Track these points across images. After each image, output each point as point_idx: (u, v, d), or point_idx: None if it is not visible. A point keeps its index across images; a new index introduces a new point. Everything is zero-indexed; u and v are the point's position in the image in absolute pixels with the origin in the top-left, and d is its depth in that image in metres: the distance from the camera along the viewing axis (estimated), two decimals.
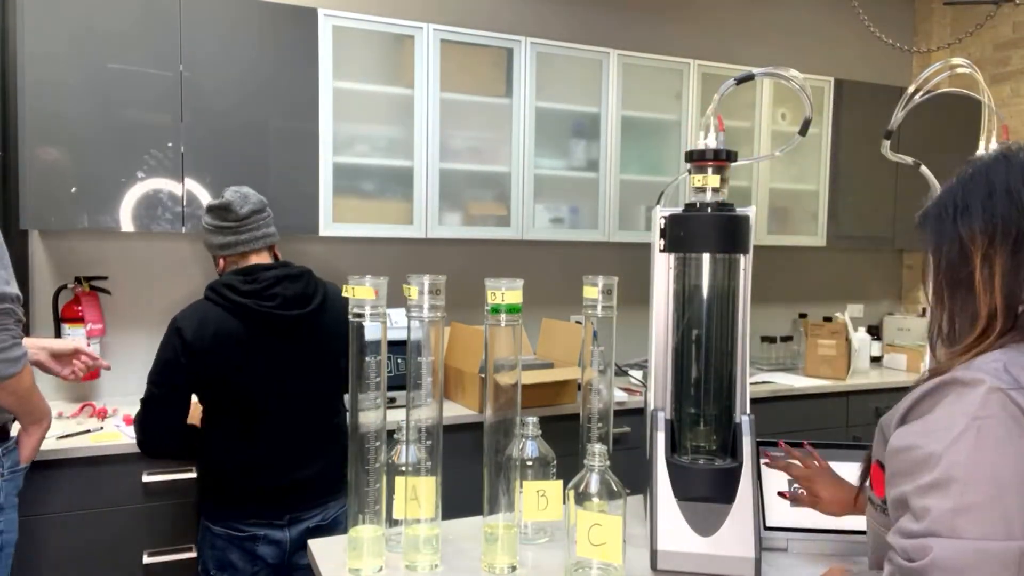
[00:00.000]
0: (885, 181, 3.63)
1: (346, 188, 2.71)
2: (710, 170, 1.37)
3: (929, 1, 4.09)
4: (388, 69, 2.76)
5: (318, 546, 1.44)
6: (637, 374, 2.98)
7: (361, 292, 1.28)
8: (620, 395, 2.87)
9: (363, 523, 1.32)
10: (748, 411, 1.36)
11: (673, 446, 1.37)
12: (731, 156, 1.37)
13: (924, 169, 1.50)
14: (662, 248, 1.39)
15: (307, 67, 2.58)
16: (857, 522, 1.36)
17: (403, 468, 1.33)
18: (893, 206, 3.65)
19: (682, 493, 1.32)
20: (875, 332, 3.84)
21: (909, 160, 1.56)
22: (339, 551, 1.39)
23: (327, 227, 2.65)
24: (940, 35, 3.99)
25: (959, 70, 1.44)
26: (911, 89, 1.48)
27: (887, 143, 1.57)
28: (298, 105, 2.58)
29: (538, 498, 1.32)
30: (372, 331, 1.30)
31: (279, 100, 2.55)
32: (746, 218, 1.35)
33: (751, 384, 1.82)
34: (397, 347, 2.29)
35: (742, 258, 1.36)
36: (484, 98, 2.91)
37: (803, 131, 1.48)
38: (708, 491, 1.32)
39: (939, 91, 1.53)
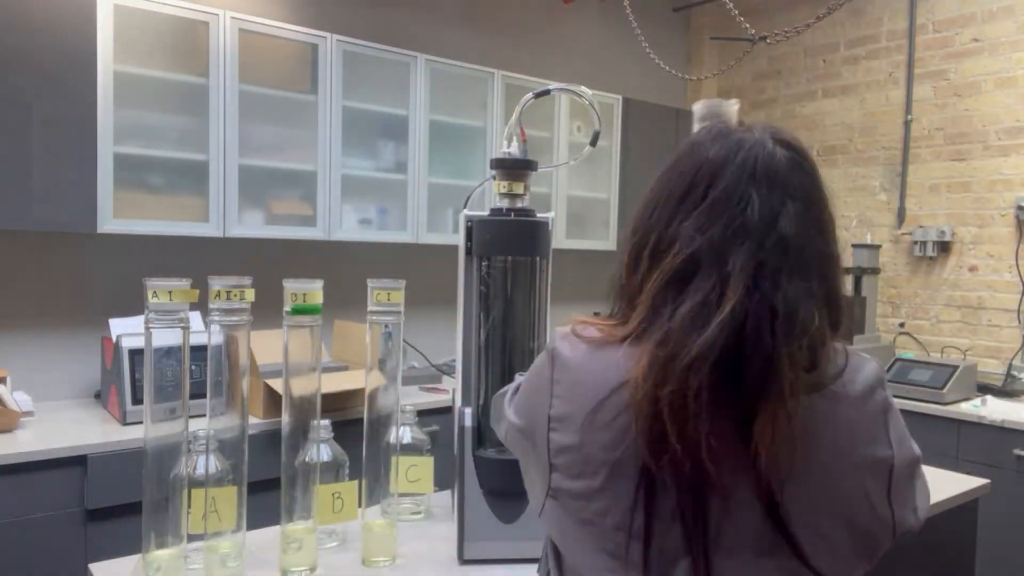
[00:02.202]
0: None
1: (129, 181, 2.48)
2: (513, 177, 1.45)
3: (700, 34, 4.60)
4: (179, 55, 2.57)
5: (101, 570, 1.32)
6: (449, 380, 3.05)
7: (181, 295, 1.19)
8: (425, 396, 2.91)
9: (160, 546, 1.23)
10: None
11: (480, 441, 1.43)
12: (532, 164, 1.46)
13: None
14: (468, 251, 1.44)
15: (83, 47, 2.33)
16: None
17: (201, 480, 1.26)
18: None
19: (487, 485, 1.38)
20: None
21: None
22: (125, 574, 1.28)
23: (107, 223, 2.41)
24: (710, 65, 4.51)
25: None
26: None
27: None
28: (71, 88, 2.32)
29: (333, 500, 1.32)
30: (171, 337, 1.22)
31: (48, 80, 2.28)
32: (546, 223, 1.44)
33: None
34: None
35: (543, 261, 1.46)
36: (288, 93, 2.81)
37: (593, 143, 1.61)
38: (512, 481, 1.39)
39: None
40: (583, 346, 0.77)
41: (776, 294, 0.68)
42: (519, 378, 0.91)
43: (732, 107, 1.33)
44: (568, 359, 0.77)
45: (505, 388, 0.95)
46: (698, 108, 1.36)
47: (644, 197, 0.82)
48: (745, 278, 0.68)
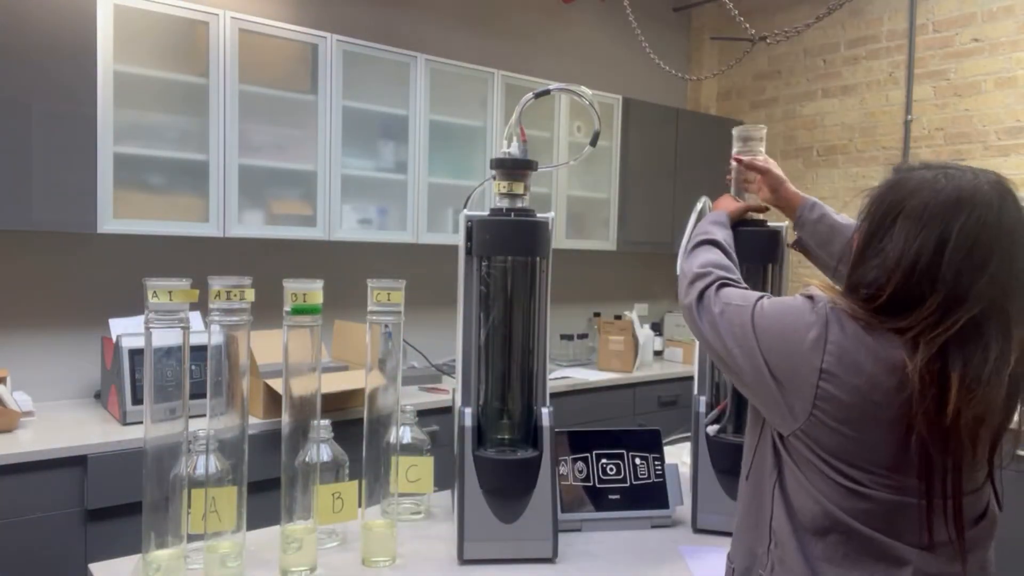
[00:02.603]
0: (665, 192, 4.02)
1: (130, 181, 2.48)
2: (513, 177, 1.45)
3: (700, 34, 4.60)
4: (179, 55, 2.57)
5: (101, 570, 1.32)
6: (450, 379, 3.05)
7: (181, 295, 1.19)
8: (425, 396, 2.91)
9: (160, 546, 1.23)
10: (548, 404, 1.46)
11: (480, 440, 1.43)
12: (532, 164, 1.46)
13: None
14: (468, 251, 1.44)
15: (83, 47, 2.33)
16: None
17: (201, 480, 1.26)
18: (672, 215, 4.05)
19: (487, 485, 1.38)
20: (658, 328, 4.24)
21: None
22: (126, 574, 1.28)
23: (107, 223, 2.41)
24: (709, 65, 4.51)
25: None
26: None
27: None
28: (71, 88, 2.32)
29: (333, 500, 1.32)
30: (171, 337, 1.22)
31: (47, 80, 2.28)
32: (546, 223, 1.44)
33: (551, 379, 1.94)
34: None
35: (542, 261, 1.46)
36: (288, 93, 2.81)
37: (593, 142, 1.61)
38: (511, 481, 1.39)
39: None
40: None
41: None
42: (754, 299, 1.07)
43: (762, 130, 1.58)
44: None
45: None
46: (737, 131, 1.59)
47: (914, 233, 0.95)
48: (1020, 335, 0.90)
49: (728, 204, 1.50)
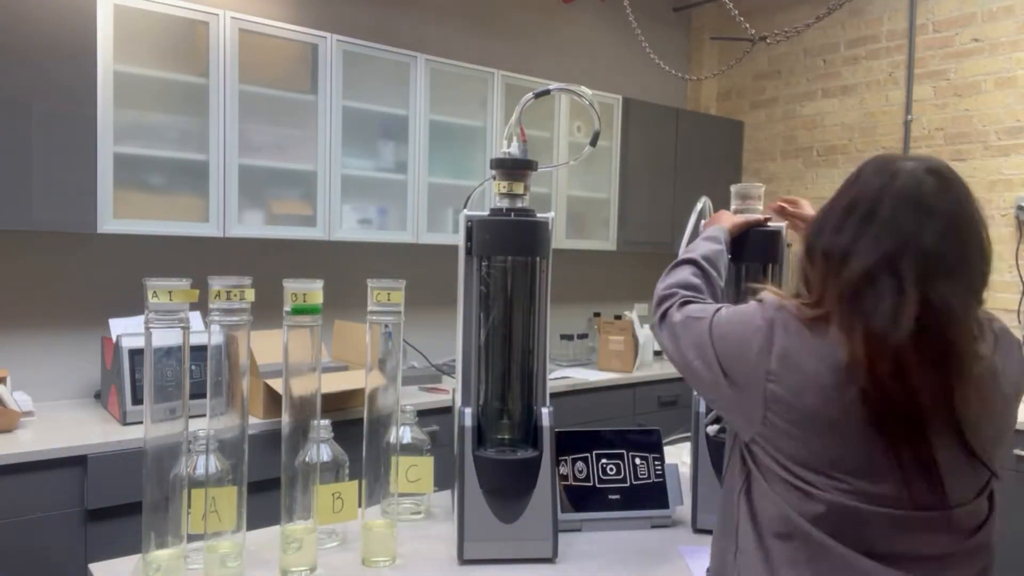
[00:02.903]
0: (665, 192, 4.02)
1: (130, 181, 2.48)
2: (513, 177, 1.45)
3: (700, 34, 4.60)
4: (179, 55, 2.57)
5: (101, 570, 1.32)
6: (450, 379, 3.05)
7: (181, 295, 1.19)
8: (425, 396, 2.91)
9: (160, 546, 1.23)
10: (548, 404, 1.46)
11: (480, 440, 1.43)
12: (532, 164, 1.46)
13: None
14: (468, 251, 1.44)
15: (83, 47, 2.33)
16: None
17: (201, 480, 1.26)
18: (672, 215, 4.05)
19: (487, 485, 1.38)
20: None
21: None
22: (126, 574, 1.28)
23: (107, 223, 2.41)
24: (710, 65, 4.51)
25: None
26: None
27: None
28: (71, 88, 2.32)
29: (333, 500, 1.32)
30: (171, 337, 1.22)
31: (48, 80, 2.28)
32: (546, 223, 1.44)
33: (551, 379, 1.94)
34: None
35: (542, 261, 1.46)
36: (288, 93, 2.81)
37: (593, 142, 1.61)
38: (512, 481, 1.39)
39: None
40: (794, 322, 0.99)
41: (934, 294, 0.91)
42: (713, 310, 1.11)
43: (760, 189, 1.61)
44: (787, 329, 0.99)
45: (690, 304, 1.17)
46: (735, 189, 1.61)
47: (825, 207, 1.04)
48: (914, 284, 0.91)
49: (726, 219, 1.49)
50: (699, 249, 1.32)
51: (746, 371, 1.00)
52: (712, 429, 1.58)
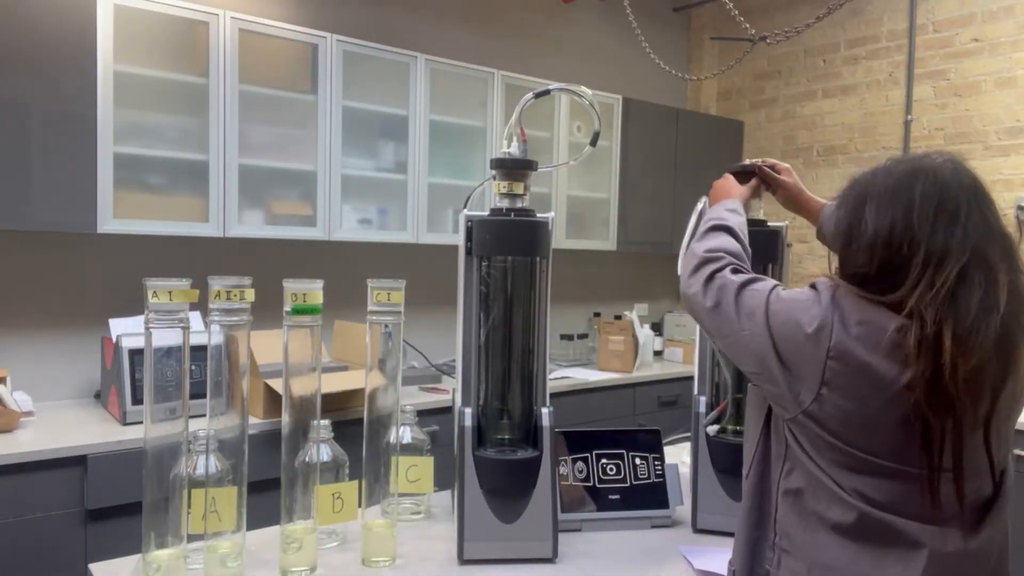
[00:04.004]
0: (665, 193, 4.02)
1: (129, 181, 2.48)
2: (513, 177, 1.45)
3: (700, 34, 4.60)
4: (179, 55, 2.57)
5: (101, 570, 1.32)
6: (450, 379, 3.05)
7: (181, 295, 1.19)
8: (425, 396, 2.91)
9: (160, 546, 1.23)
10: (548, 404, 1.46)
11: (480, 440, 1.43)
12: (532, 164, 1.46)
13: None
14: (468, 251, 1.44)
15: (83, 47, 2.33)
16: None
17: (201, 480, 1.26)
18: (672, 215, 4.05)
19: (487, 485, 1.38)
20: (658, 328, 4.24)
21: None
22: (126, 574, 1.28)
23: (107, 223, 2.41)
24: (710, 65, 4.51)
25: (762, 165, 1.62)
26: None
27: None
28: (71, 88, 2.32)
29: (333, 500, 1.32)
30: (171, 337, 1.22)
31: (47, 80, 2.28)
32: (546, 223, 1.44)
33: (551, 379, 1.94)
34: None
35: (543, 261, 1.46)
36: (288, 93, 2.81)
37: (593, 142, 1.61)
38: (512, 481, 1.39)
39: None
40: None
41: (1015, 276, 0.95)
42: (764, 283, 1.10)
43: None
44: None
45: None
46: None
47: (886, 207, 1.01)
48: (1004, 271, 0.94)
49: (733, 187, 1.45)
50: (730, 219, 1.28)
51: (800, 351, 1.00)
52: (712, 429, 1.58)
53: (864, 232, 1.00)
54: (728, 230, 1.26)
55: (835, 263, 1.07)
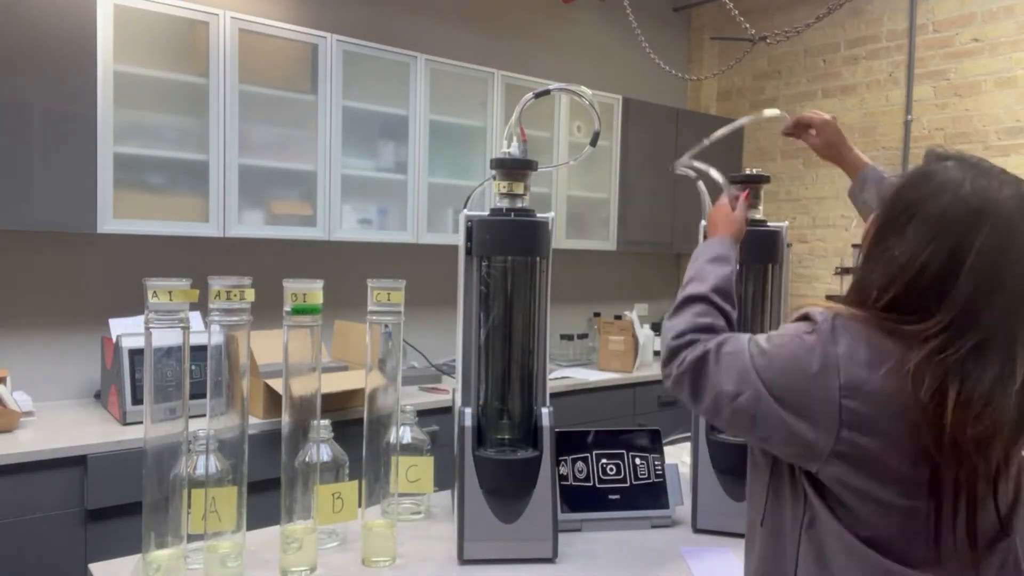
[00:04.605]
0: (665, 193, 4.02)
1: (130, 181, 2.48)
2: (513, 177, 1.45)
3: (700, 34, 4.60)
4: (179, 55, 2.57)
5: (101, 570, 1.32)
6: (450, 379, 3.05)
7: (181, 295, 1.19)
8: (425, 396, 2.91)
9: (160, 546, 1.23)
10: (548, 404, 1.46)
11: (480, 440, 1.43)
12: (532, 164, 1.46)
13: (700, 185, 1.69)
14: (468, 251, 1.44)
15: (83, 47, 2.33)
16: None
17: (201, 480, 1.26)
18: (672, 215, 4.05)
19: (487, 485, 1.38)
20: (658, 328, 4.23)
21: (692, 174, 1.71)
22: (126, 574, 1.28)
23: (107, 223, 2.41)
24: (710, 65, 4.51)
25: (766, 114, 1.61)
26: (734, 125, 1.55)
27: (679, 165, 1.67)
28: (71, 88, 2.32)
29: (333, 500, 1.32)
30: (171, 337, 1.22)
31: (48, 80, 2.28)
32: (546, 223, 1.44)
33: (551, 379, 1.94)
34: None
35: (542, 261, 1.46)
36: (288, 93, 2.81)
37: (593, 142, 1.61)
38: (512, 481, 1.39)
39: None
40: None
41: None
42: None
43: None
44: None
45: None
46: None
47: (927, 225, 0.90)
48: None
49: (727, 225, 1.29)
50: (708, 279, 1.14)
51: (807, 394, 0.90)
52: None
53: (892, 251, 0.89)
54: (701, 299, 1.11)
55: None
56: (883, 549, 0.89)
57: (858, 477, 0.89)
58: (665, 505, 1.59)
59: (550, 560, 1.39)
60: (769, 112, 1.59)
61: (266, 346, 2.38)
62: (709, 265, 1.17)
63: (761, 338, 0.98)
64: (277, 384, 2.29)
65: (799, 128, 1.51)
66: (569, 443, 1.61)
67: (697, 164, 1.56)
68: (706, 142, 1.54)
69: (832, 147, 1.48)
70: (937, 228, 0.87)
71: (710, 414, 1.01)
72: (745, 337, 1.00)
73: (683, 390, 1.03)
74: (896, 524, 0.89)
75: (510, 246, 1.43)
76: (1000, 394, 0.84)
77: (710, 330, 1.06)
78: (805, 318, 0.95)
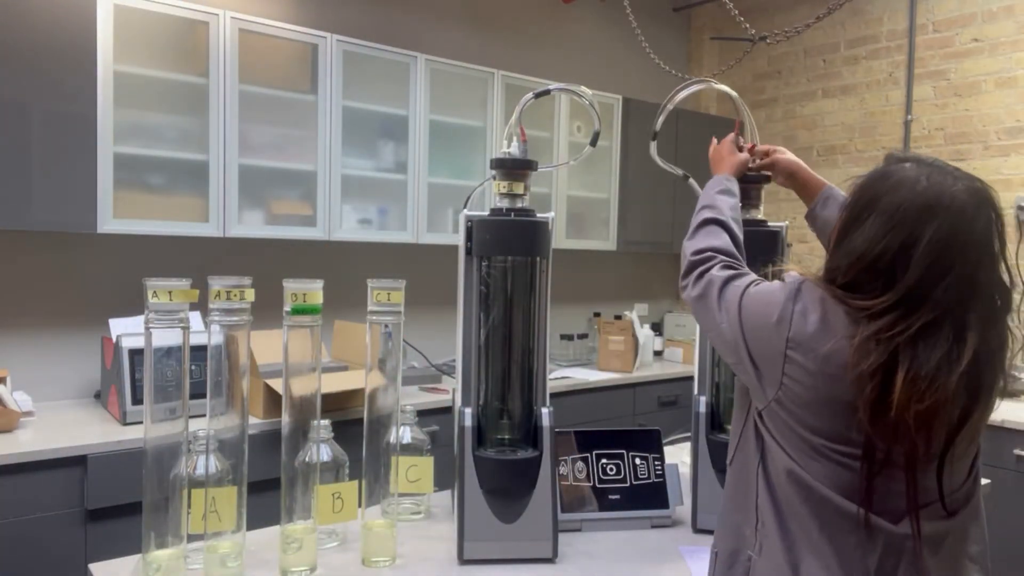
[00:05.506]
0: (665, 193, 4.02)
1: (130, 181, 2.48)
2: (513, 177, 1.45)
3: (700, 34, 4.60)
4: (179, 55, 2.57)
5: (101, 570, 1.32)
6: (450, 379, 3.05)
7: (181, 295, 1.19)
8: (425, 396, 2.91)
9: (160, 546, 1.23)
10: (548, 404, 1.46)
11: (480, 440, 1.43)
12: (532, 164, 1.46)
13: (691, 182, 1.69)
14: (468, 251, 1.44)
15: (83, 47, 2.33)
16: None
17: (201, 480, 1.26)
18: (672, 215, 4.05)
19: (487, 485, 1.38)
20: (658, 328, 4.24)
21: (679, 171, 1.76)
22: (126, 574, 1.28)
23: (107, 223, 2.41)
24: (709, 65, 4.51)
25: (715, 85, 1.68)
26: (679, 95, 1.68)
27: (654, 144, 1.77)
28: (71, 88, 2.32)
29: (333, 500, 1.32)
30: (171, 337, 1.22)
31: (47, 80, 2.28)
32: (546, 223, 1.44)
33: (551, 379, 1.94)
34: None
35: (542, 261, 1.46)
36: (288, 93, 2.81)
37: (593, 142, 1.61)
38: (512, 481, 1.39)
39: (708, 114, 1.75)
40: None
41: (992, 339, 0.94)
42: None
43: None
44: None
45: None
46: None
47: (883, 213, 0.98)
48: (976, 331, 0.93)
49: (728, 160, 1.47)
50: (724, 208, 1.30)
51: (765, 340, 1.02)
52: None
53: (853, 240, 0.99)
54: (719, 223, 1.26)
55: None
56: (830, 487, 0.98)
57: (797, 423, 1.00)
58: (665, 505, 1.59)
59: (550, 560, 1.39)
60: (721, 87, 1.67)
61: (266, 346, 2.38)
62: (720, 196, 1.33)
63: (754, 287, 1.11)
64: (277, 384, 2.29)
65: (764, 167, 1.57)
66: (569, 443, 1.61)
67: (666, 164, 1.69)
68: (669, 106, 1.65)
69: (792, 177, 1.52)
70: (893, 220, 0.96)
71: (704, 329, 1.16)
72: (748, 279, 1.13)
73: (690, 301, 1.19)
74: (832, 470, 0.98)
75: (510, 246, 1.43)
76: (945, 374, 0.91)
77: (729, 254, 1.21)
78: (784, 280, 1.07)
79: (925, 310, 0.92)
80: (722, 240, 1.23)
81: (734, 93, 1.63)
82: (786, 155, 1.54)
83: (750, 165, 1.55)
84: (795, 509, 1.01)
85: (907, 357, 0.91)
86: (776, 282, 1.08)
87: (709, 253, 1.20)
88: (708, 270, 1.17)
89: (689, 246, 1.24)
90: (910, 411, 0.90)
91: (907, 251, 0.94)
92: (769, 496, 1.04)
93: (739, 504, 1.11)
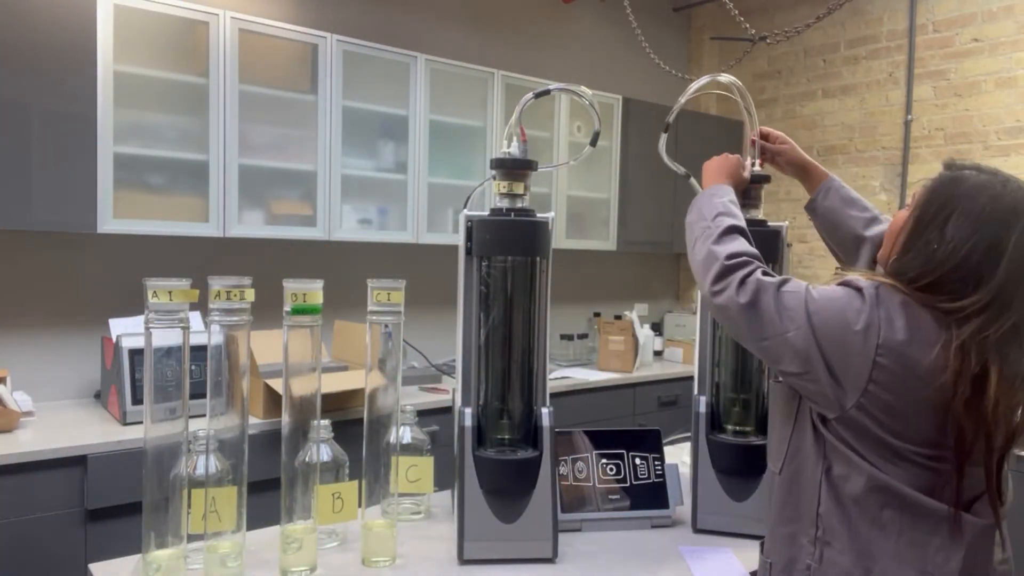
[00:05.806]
0: (665, 193, 4.02)
1: (130, 181, 2.48)
2: (513, 177, 1.45)
3: (700, 34, 4.60)
4: (179, 55, 2.57)
5: (101, 570, 1.32)
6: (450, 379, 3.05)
7: (181, 295, 1.19)
8: (425, 396, 2.91)
9: (160, 546, 1.23)
10: (548, 404, 1.46)
11: (480, 440, 1.43)
12: (532, 164, 1.46)
13: (692, 181, 1.69)
14: (468, 251, 1.44)
15: (83, 47, 2.33)
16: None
17: (201, 480, 1.26)
18: (672, 215, 4.05)
19: (487, 485, 1.38)
20: (658, 328, 4.24)
21: (681, 169, 1.76)
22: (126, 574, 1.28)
23: (107, 223, 2.41)
24: (709, 65, 4.51)
25: (722, 78, 1.69)
26: (693, 87, 1.68)
27: (664, 137, 1.75)
28: (71, 88, 2.32)
29: (333, 500, 1.32)
30: (171, 337, 1.22)
31: (47, 80, 2.28)
32: (546, 223, 1.44)
33: (551, 379, 1.94)
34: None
35: (543, 261, 1.46)
36: (288, 93, 2.81)
37: (593, 142, 1.61)
38: (512, 481, 1.39)
39: (709, 113, 1.75)
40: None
41: None
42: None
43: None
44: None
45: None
46: None
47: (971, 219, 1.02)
48: None
49: (727, 172, 1.40)
50: (738, 215, 1.24)
51: (846, 349, 1.01)
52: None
53: (931, 245, 1.01)
54: (742, 231, 1.21)
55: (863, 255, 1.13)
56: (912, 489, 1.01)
57: (880, 429, 1.00)
58: (665, 505, 1.59)
59: (550, 560, 1.39)
60: (725, 77, 1.68)
61: (266, 346, 2.38)
62: (733, 207, 1.28)
63: (814, 290, 1.08)
64: (277, 384, 2.29)
65: (765, 156, 1.58)
66: (569, 443, 1.61)
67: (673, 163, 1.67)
68: (683, 99, 1.67)
69: (794, 164, 1.55)
70: (979, 223, 0.99)
71: (754, 337, 1.09)
72: (803, 284, 1.10)
73: (733, 307, 1.09)
74: (914, 473, 1.00)
75: (510, 246, 1.42)
76: None
77: (762, 260, 1.16)
78: (846, 284, 1.06)
79: (1012, 312, 0.97)
80: (752, 248, 1.18)
81: (740, 84, 1.64)
82: (795, 149, 1.55)
83: (756, 160, 1.56)
84: (871, 515, 1.01)
85: (1000, 356, 0.96)
86: (836, 287, 1.07)
87: (745, 258, 1.13)
88: (750, 275, 1.10)
89: (720, 250, 1.15)
90: (1000, 408, 0.95)
91: (994, 253, 0.97)
92: (836, 504, 1.04)
93: (792, 514, 1.11)
